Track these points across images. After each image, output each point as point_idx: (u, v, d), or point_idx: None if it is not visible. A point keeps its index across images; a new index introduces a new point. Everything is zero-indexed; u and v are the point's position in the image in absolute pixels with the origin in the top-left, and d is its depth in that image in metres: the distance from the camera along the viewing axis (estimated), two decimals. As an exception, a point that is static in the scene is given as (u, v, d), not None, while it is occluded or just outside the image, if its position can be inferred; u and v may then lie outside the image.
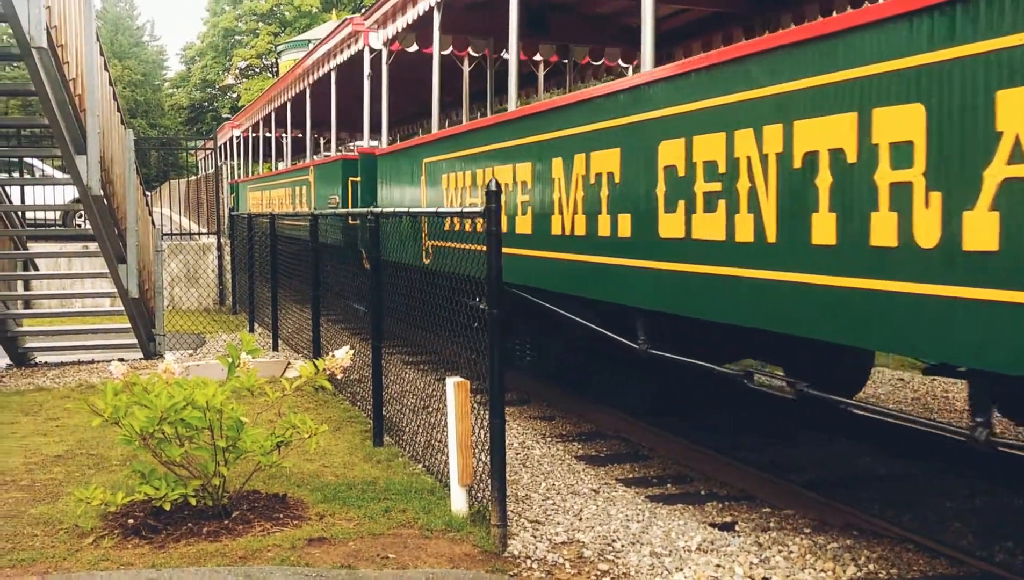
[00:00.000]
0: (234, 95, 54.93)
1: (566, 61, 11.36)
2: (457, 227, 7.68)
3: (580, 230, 5.98)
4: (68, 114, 7.42)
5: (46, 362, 10.69)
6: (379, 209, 6.72)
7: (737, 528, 4.97)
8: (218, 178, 18.34)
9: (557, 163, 6.28)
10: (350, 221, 10.35)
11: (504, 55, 10.20)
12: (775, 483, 5.67)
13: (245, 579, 3.92)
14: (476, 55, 10.85)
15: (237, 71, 55.57)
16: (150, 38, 64.66)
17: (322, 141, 23.84)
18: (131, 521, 4.67)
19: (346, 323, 10.44)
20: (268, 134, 21.00)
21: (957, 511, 5.23)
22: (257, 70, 54.86)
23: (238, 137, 24.67)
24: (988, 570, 4.25)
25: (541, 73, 12.13)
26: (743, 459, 6.21)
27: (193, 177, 26.57)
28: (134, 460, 5.23)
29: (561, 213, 6.23)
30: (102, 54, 8.66)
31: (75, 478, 5.67)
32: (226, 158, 28.79)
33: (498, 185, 4.58)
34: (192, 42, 61.75)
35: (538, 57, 11.28)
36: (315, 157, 17.23)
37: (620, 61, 11.16)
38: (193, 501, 4.70)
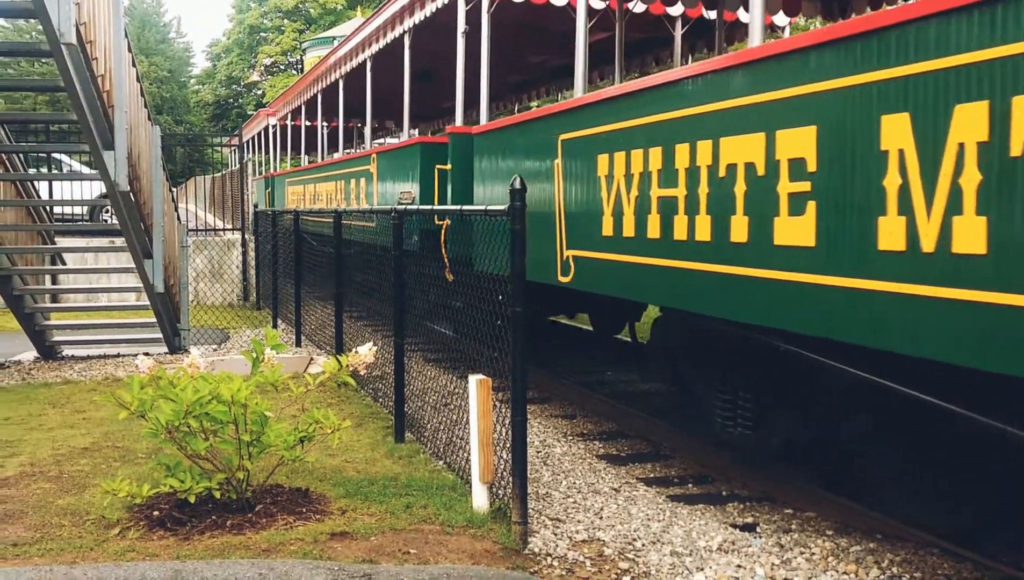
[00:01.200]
0: (259, 92, 55.26)
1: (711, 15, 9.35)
2: (610, 232, 5.94)
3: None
4: (96, 110, 7.50)
5: (73, 355, 10.81)
6: (455, 207, 6.41)
7: (759, 529, 4.95)
8: (243, 174, 18.40)
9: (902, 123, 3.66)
10: (436, 221, 8.64)
11: (637, 6, 8.61)
12: (797, 485, 5.64)
13: (268, 572, 3.95)
14: (599, 5, 8.52)
15: (262, 68, 55.90)
16: (176, 35, 65.13)
17: (354, 131, 22.60)
18: (156, 513, 4.73)
19: (368, 320, 10.50)
20: (311, 122, 18.69)
21: (984, 516, 5.18)
22: (282, 67, 55.15)
23: (274, 126, 22.44)
24: (1016, 575, 4.21)
25: (678, 32, 9.98)
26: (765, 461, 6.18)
27: (219, 173, 26.17)
28: (159, 453, 5.30)
29: (913, 213, 3.61)
30: (130, 50, 8.74)
31: (102, 470, 5.74)
32: (257, 151, 26.81)
33: (523, 183, 4.58)
34: (218, 39, 62.17)
35: (676, 10, 9.19)
36: (374, 144, 14.58)
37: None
38: (217, 494, 4.74)
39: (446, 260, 7.78)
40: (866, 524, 4.93)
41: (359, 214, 9.62)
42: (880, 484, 5.49)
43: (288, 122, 20.11)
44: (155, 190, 10.10)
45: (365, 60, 12.31)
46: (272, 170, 22.58)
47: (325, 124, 18.09)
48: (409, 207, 8.55)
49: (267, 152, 24.46)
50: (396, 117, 17.40)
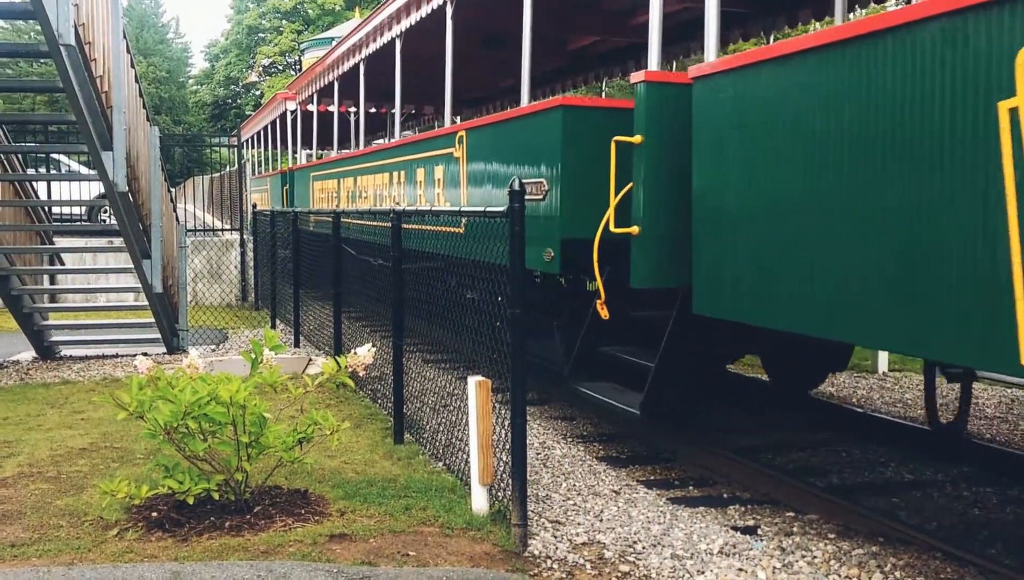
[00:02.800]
0: (257, 92, 55.24)
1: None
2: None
3: None
4: (95, 110, 7.48)
5: (71, 355, 10.79)
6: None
7: (760, 532, 4.94)
8: (241, 174, 18.40)
9: None
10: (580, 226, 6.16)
11: None
12: (799, 488, 5.63)
13: (267, 574, 3.93)
14: None
15: (260, 69, 55.88)
16: (175, 35, 65.09)
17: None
18: (155, 514, 4.71)
19: (367, 321, 10.48)
20: (345, 105, 15.59)
21: (986, 520, 5.17)
22: (280, 68, 55.15)
23: (293, 112, 18.77)
24: (1017, 579, 4.20)
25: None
26: (766, 463, 6.16)
27: (217, 174, 25.68)
28: (158, 454, 5.27)
29: None
30: (129, 51, 8.72)
31: (100, 471, 5.71)
32: (268, 144, 23.34)
33: (522, 185, 4.56)
34: (216, 39, 62.18)
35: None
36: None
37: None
38: (216, 495, 4.72)
39: (601, 287, 5.91)
40: (869, 527, 4.92)
41: (448, 215, 7.00)
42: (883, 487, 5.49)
43: (313, 105, 16.45)
44: (153, 190, 10.08)
45: (437, 8, 8.77)
46: (291, 164, 19.29)
47: (358, 107, 13.98)
48: (540, 203, 6.43)
49: (282, 144, 20.97)
50: (436, 102, 14.24)
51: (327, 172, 14.89)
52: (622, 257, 5.77)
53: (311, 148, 24.25)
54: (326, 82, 14.50)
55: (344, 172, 13.50)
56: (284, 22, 55.07)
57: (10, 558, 4.26)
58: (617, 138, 5.64)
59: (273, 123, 21.86)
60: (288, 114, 19.06)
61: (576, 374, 6.53)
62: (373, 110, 17.35)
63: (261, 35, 56.70)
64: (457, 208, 7.04)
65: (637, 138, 5.58)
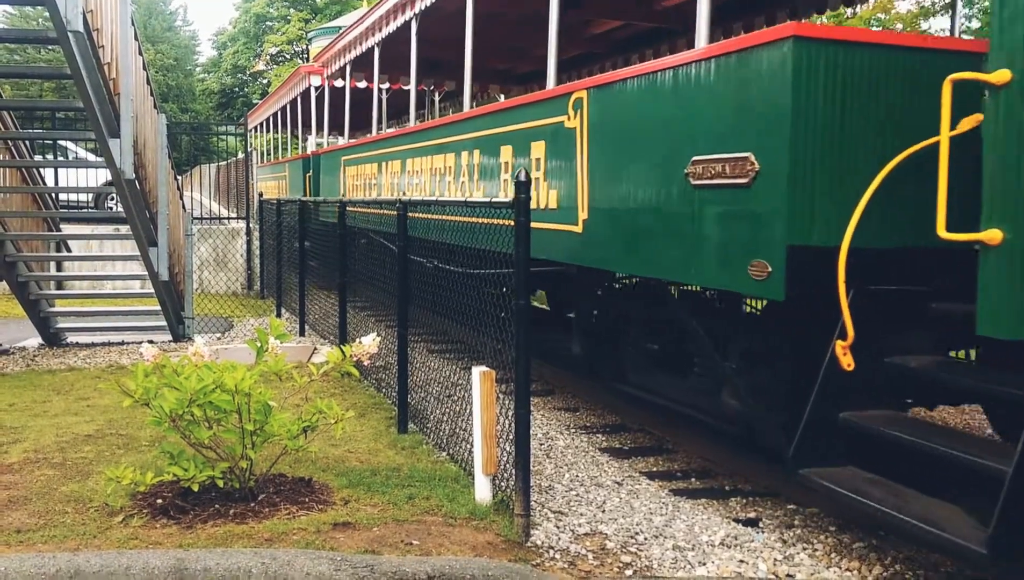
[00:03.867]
0: (264, 81, 55.22)
1: None
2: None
3: None
4: (102, 98, 7.50)
5: (77, 342, 10.83)
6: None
7: (761, 524, 4.95)
8: (248, 162, 18.41)
9: None
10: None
11: None
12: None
13: (271, 561, 3.95)
14: None
15: (268, 57, 55.84)
16: (183, 23, 65.07)
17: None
18: (160, 501, 4.74)
19: (372, 310, 10.50)
20: (386, 81, 13.94)
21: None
22: (288, 56, 55.10)
23: (318, 88, 16.33)
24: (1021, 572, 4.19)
25: None
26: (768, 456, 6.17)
27: (224, 162, 25.56)
28: (163, 441, 5.30)
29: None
30: (137, 39, 8.73)
31: (105, 457, 5.75)
32: (286, 126, 21.10)
33: (527, 176, 4.57)
34: (224, 28, 62.11)
35: None
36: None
37: None
38: (220, 483, 4.75)
39: (848, 322, 4.09)
40: (871, 521, 4.92)
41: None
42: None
43: (342, 81, 14.31)
44: (160, 178, 10.10)
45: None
46: (314, 146, 17.19)
47: (407, 76, 11.49)
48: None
49: (304, 126, 19.09)
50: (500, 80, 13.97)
51: (365, 155, 12.37)
52: (875, 274, 4.29)
53: (341, 129, 19.23)
54: (363, 49, 12.04)
55: (389, 154, 11.01)
56: (292, 11, 55.00)
57: (16, 543, 4.29)
58: (959, 76, 3.68)
59: (293, 103, 19.16)
60: (312, 91, 16.69)
61: (804, 455, 4.39)
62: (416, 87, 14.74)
63: (269, 23, 56.65)
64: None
65: (1001, 75, 3.42)
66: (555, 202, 6.52)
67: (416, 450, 6.01)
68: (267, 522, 4.51)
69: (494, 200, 5.01)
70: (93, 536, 4.37)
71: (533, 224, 4.79)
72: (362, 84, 14.21)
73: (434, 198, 8.72)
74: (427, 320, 7.26)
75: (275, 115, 22.18)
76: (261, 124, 24.80)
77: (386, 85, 14.44)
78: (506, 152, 7.42)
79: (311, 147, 17.60)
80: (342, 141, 15.70)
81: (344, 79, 13.98)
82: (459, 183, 8.52)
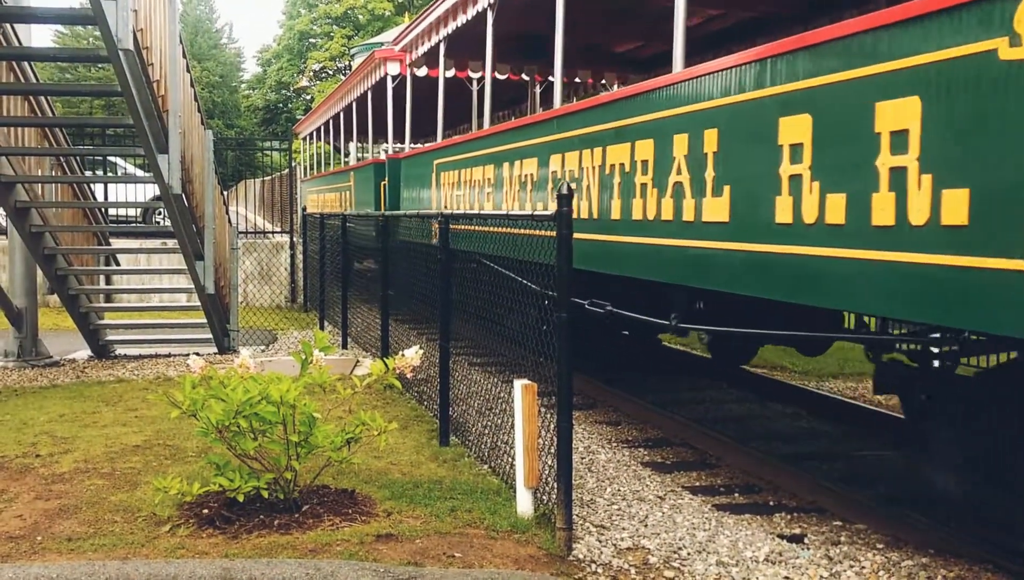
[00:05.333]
0: (308, 97, 55.95)
1: None
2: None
3: None
4: (151, 114, 7.65)
5: (125, 354, 11.03)
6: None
7: (806, 541, 4.88)
8: (292, 178, 18.63)
9: None
10: None
11: None
12: (846, 496, 5.55)
13: (315, 572, 3.98)
14: None
15: (311, 73, 56.57)
16: (228, 40, 66.17)
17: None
18: (206, 511, 4.80)
19: (413, 323, 10.56)
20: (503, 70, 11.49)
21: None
22: (331, 72, 55.78)
23: (395, 77, 13.64)
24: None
25: None
26: (812, 470, 6.09)
27: (268, 177, 25.57)
28: (209, 452, 5.37)
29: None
30: (184, 56, 8.91)
31: (153, 467, 5.84)
32: (339, 135, 19.01)
33: (570, 189, 4.58)
34: (268, 45, 63.03)
35: None
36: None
37: None
38: (265, 494, 4.80)
39: None
40: (918, 538, 4.84)
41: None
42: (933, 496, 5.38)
43: (425, 69, 12.22)
44: (207, 193, 10.27)
45: None
46: (388, 149, 14.58)
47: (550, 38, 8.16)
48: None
49: (375, 128, 16.04)
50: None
51: (474, 155, 9.51)
52: None
53: (429, 130, 17.49)
54: (466, 19, 9.41)
55: (516, 150, 8.16)
56: (335, 27, 55.70)
57: (67, 551, 4.38)
58: None
59: (361, 100, 16.20)
60: (389, 81, 13.78)
61: None
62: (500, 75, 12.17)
63: (312, 40, 57.41)
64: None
65: None
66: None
67: (458, 463, 6.03)
68: (311, 533, 4.55)
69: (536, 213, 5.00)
70: (141, 545, 4.44)
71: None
72: (450, 73, 11.61)
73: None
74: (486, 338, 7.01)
75: (332, 121, 19.62)
76: (312, 134, 23.19)
77: (479, 74, 12.06)
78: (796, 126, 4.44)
79: (390, 150, 14.95)
80: (406, 146, 13.50)
81: (435, 63, 11.46)
82: (670, 184, 5.60)
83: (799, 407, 8.16)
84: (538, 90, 10.44)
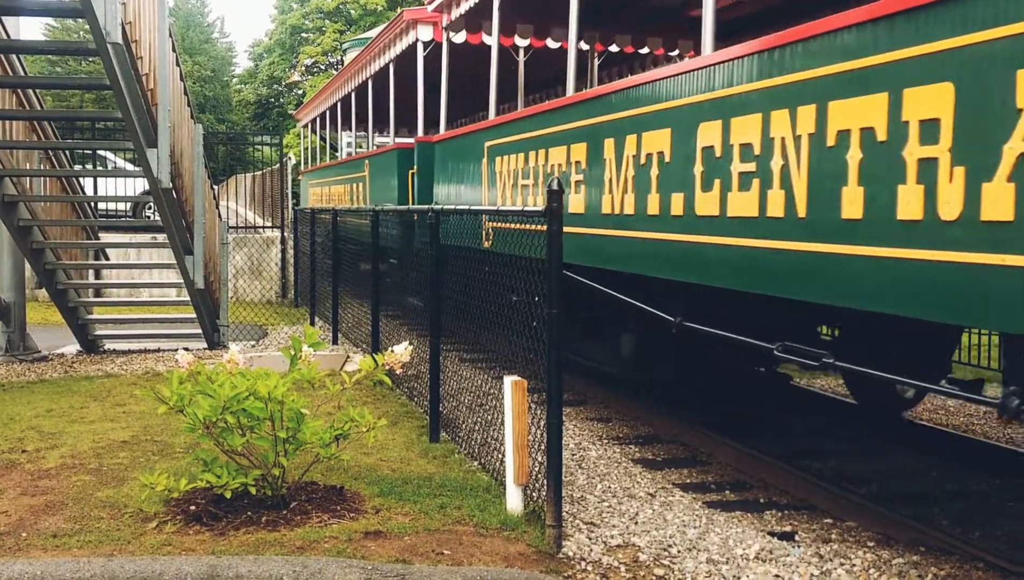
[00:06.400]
0: (299, 92, 55.78)
1: None
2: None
3: None
4: (141, 108, 7.59)
5: (114, 349, 10.97)
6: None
7: (797, 538, 4.87)
8: (283, 172, 18.54)
9: None
10: None
11: None
12: (837, 494, 5.54)
13: (302, 569, 3.95)
14: None
15: (303, 68, 56.41)
16: (220, 35, 65.85)
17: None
18: (193, 507, 4.76)
19: (404, 319, 10.53)
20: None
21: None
22: (322, 67, 55.62)
23: (427, 44, 11.45)
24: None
25: None
26: (803, 468, 6.08)
27: (259, 172, 25.35)
28: (197, 448, 5.33)
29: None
30: (174, 50, 8.85)
31: (140, 463, 5.80)
32: (347, 120, 17.01)
33: (560, 184, 4.55)
34: (260, 39, 62.79)
35: None
36: None
37: None
38: (253, 490, 4.77)
39: None
40: (908, 536, 4.83)
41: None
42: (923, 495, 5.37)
43: (463, 34, 10.50)
44: (197, 187, 10.22)
45: None
46: (421, 132, 11.89)
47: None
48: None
49: (398, 105, 13.94)
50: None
51: (558, 129, 7.29)
52: None
53: (463, 112, 15.56)
54: None
55: (632, 120, 6.07)
56: (327, 22, 55.53)
57: (52, 548, 4.34)
58: None
59: (379, 75, 13.86)
60: (419, 49, 11.46)
61: None
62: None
63: (304, 35, 57.22)
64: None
65: None
66: None
67: (448, 459, 6.00)
68: (299, 530, 4.52)
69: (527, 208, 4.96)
70: (127, 542, 4.40)
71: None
72: (493, 40, 9.40)
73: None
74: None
75: (341, 102, 17.17)
76: (316, 120, 20.74)
77: (526, 42, 10.38)
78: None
79: (421, 131, 12.06)
80: (441, 129, 10.92)
81: (476, 26, 9.81)
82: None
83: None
84: (597, 62, 8.74)
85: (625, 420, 7.69)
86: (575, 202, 6.90)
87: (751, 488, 5.86)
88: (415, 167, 11.30)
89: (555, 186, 4.51)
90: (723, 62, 5.04)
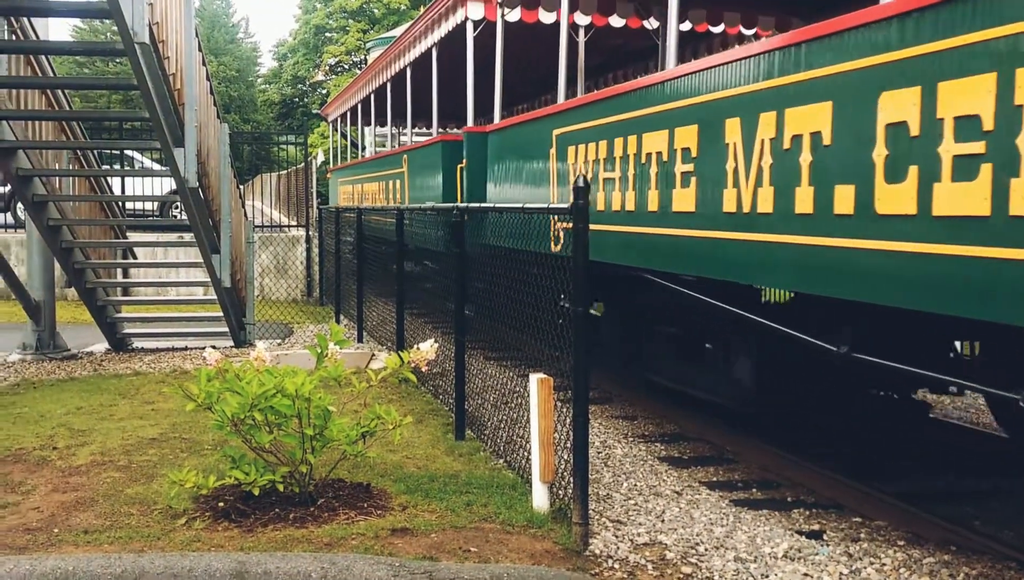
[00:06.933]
0: (323, 91, 56.03)
1: None
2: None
3: None
4: (168, 108, 7.65)
5: (142, 347, 11.07)
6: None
7: (825, 537, 4.83)
8: (308, 171, 18.62)
9: None
10: None
11: None
12: (865, 493, 5.50)
13: (330, 566, 3.97)
14: None
15: (327, 68, 56.65)
16: (244, 35, 66.27)
17: None
18: (221, 504, 4.79)
19: (428, 317, 10.54)
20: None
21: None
22: (346, 67, 55.84)
23: (477, 23, 10.48)
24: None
25: None
26: (829, 466, 6.03)
27: (284, 171, 25.36)
28: (225, 445, 5.37)
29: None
30: (200, 50, 8.91)
31: (169, 460, 5.85)
32: (383, 113, 15.74)
33: (586, 182, 4.54)
34: (284, 39, 63.15)
35: None
36: None
37: None
38: (281, 487, 4.79)
39: None
40: (939, 535, 4.78)
41: None
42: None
43: (515, 9, 9.70)
44: (223, 186, 10.28)
45: None
46: (470, 122, 10.85)
47: None
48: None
49: (441, 92, 12.49)
50: None
51: (643, 113, 6.27)
52: None
53: (513, 100, 14.33)
54: None
55: (752, 95, 5.06)
56: (350, 21, 55.73)
57: (83, 543, 4.38)
58: None
59: (419, 63, 12.80)
60: (469, 30, 10.42)
61: None
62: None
63: (328, 34, 57.47)
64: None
65: None
66: None
67: (473, 457, 6.00)
68: (326, 527, 4.53)
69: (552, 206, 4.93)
70: (157, 538, 4.44)
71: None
72: (550, 19, 9.29)
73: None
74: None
75: (374, 94, 16.04)
76: (346, 115, 19.73)
77: (588, 20, 9.75)
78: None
79: (470, 121, 11.01)
80: (495, 118, 9.90)
81: (534, 2, 9.18)
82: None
83: None
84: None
85: (651, 418, 7.66)
86: (679, 199, 5.76)
87: (778, 487, 5.82)
88: (464, 161, 10.37)
89: (581, 184, 4.50)
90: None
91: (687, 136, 5.69)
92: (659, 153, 6.03)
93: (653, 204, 6.08)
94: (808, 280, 4.59)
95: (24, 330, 10.52)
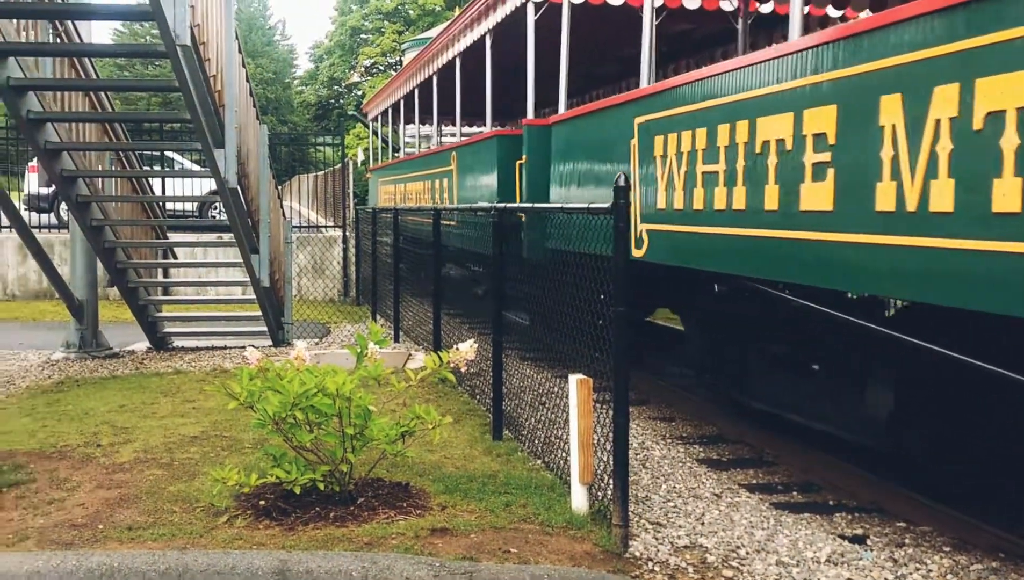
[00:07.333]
0: (359, 92, 56.38)
1: None
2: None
3: None
4: (208, 109, 7.73)
5: (183, 346, 11.19)
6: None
7: (869, 542, 4.76)
8: (344, 172, 18.72)
9: None
10: None
11: None
12: (908, 497, 5.41)
13: (371, 565, 3.98)
14: None
15: (363, 69, 57.00)
16: (281, 37, 66.92)
17: None
18: (262, 502, 4.83)
19: (464, 317, 10.56)
20: None
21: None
22: (382, 68, 56.15)
23: (540, 3, 9.36)
24: None
25: None
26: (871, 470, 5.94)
27: (321, 172, 25.41)
28: (266, 443, 5.42)
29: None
30: (240, 51, 8.99)
31: (210, 458, 5.91)
32: (427, 109, 14.92)
33: (626, 180, 4.51)
34: (320, 41, 63.64)
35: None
36: None
37: None
38: (321, 486, 4.82)
39: None
40: (987, 541, 4.69)
41: None
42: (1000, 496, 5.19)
43: None
44: (262, 187, 10.37)
45: None
46: (530, 115, 9.80)
47: None
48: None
49: (494, 81, 11.40)
50: None
51: (759, 93, 5.29)
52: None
53: (577, 89, 13.08)
54: None
55: (920, 64, 3.98)
56: (386, 23, 56.04)
57: (128, 540, 4.44)
58: None
59: (472, 50, 11.64)
60: (530, 12, 9.39)
61: None
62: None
63: (363, 36, 57.83)
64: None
65: None
66: None
67: (511, 457, 6.00)
68: (366, 526, 4.55)
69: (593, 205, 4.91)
70: (199, 535, 4.49)
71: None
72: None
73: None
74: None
75: (418, 88, 15.13)
76: (388, 111, 18.86)
77: (660, 1, 8.71)
78: None
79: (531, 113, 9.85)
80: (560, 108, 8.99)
81: None
82: None
83: None
84: (747, 23, 7.21)
85: (689, 420, 7.60)
86: (811, 195, 4.75)
87: (819, 490, 5.75)
88: (524, 157, 9.42)
89: (621, 183, 4.48)
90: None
91: (823, 119, 4.67)
92: (779, 140, 5.06)
93: (771, 202, 5.10)
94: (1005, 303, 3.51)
95: (68, 329, 10.68)
